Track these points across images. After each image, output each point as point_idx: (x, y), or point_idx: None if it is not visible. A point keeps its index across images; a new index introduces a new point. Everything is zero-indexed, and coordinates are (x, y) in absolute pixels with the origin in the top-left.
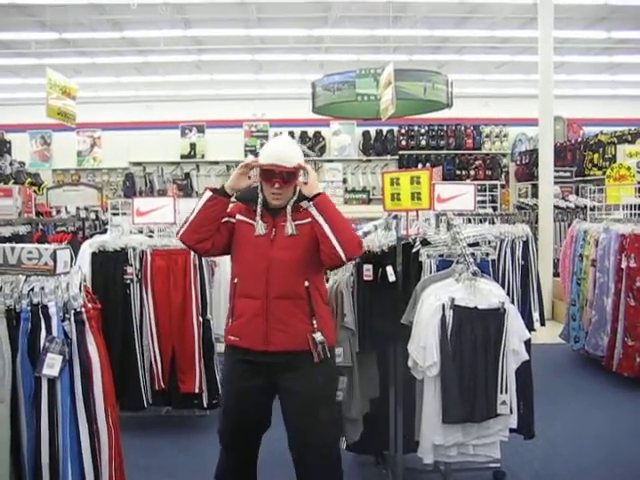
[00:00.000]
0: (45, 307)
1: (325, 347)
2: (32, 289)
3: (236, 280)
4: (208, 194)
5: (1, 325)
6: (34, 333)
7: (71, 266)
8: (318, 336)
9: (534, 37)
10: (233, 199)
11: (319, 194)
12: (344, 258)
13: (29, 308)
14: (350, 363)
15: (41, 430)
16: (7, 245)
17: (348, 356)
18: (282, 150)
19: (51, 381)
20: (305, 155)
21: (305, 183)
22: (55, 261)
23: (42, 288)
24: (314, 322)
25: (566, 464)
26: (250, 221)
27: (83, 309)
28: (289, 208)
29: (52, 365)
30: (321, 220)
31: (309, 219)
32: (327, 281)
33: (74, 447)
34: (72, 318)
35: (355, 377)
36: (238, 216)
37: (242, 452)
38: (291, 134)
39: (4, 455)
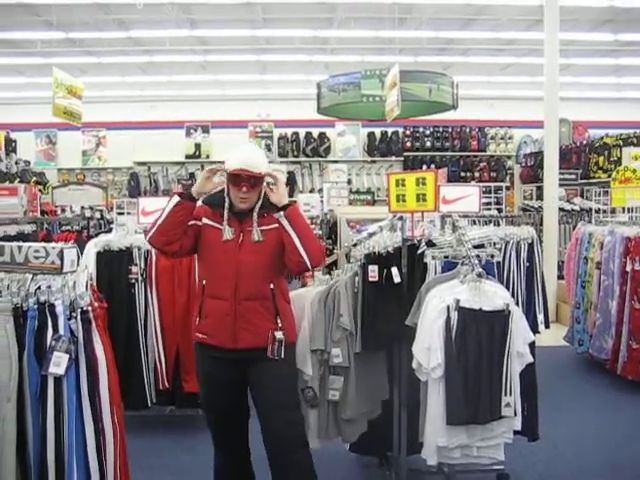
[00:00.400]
0: (52, 305)
1: (282, 344)
2: (39, 287)
3: (204, 282)
4: (176, 199)
5: (8, 323)
6: (41, 331)
7: (77, 265)
8: (278, 334)
9: (539, 39)
10: (200, 202)
11: (289, 204)
12: (310, 267)
13: (36, 306)
14: (347, 363)
15: (47, 428)
16: (14, 244)
17: (345, 356)
18: (249, 157)
19: (57, 379)
20: (270, 162)
21: (272, 189)
22: (62, 260)
23: (49, 287)
24: (278, 321)
25: (569, 466)
26: (217, 225)
27: (90, 308)
28: (255, 215)
29: (58, 363)
30: (291, 231)
31: (274, 225)
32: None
33: (80, 445)
34: (79, 317)
35: (352, 377)
36: (205, 220)
37: (231, 443)
38: (296, 134)
39: (10, 453)
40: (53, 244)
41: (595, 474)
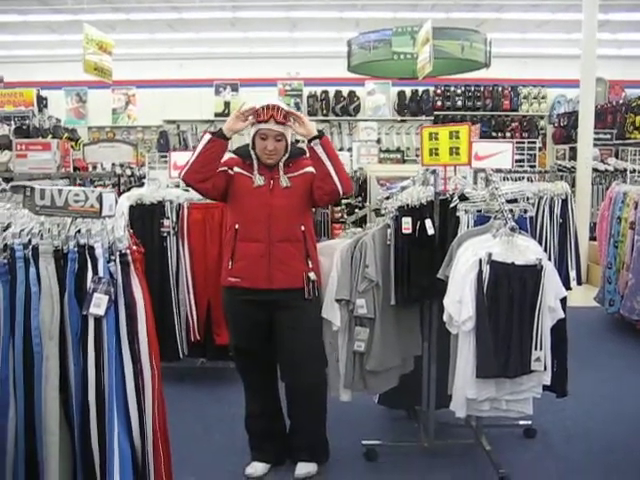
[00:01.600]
0: (92, 248)
1: (315, 285)
2: (79, 231)
3: (237, 226)
4: (208, 136)
5: (49, 265)
6: (81, 273)
7: (115, 209)
8: (312, 275)
9: None
10: (231, 154)
11: (322, 135)
12: (341, 193)
13: (76, 249)
14: (372, 315)
15: (88, 368)
16: (54, 187)
17: (371, 308)
18: (273, 99)
19: (97, 320)
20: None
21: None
22: (101, 204)
23: (88, 230)
24: (309, 262)
25: (597, 424)
26: (248, 174)
27: (128, 251)
28: (281, 164)
29: (99, 305)
30: (325, 159)
31: (300, 171)
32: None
33: (119, 385)
34: (117, 259)
35: (377, 329)
36: (236, 168)
37: (261, 388)
38: (325, 93)
39: (53, 390)
40: (92, 188)
41: (624, 431)
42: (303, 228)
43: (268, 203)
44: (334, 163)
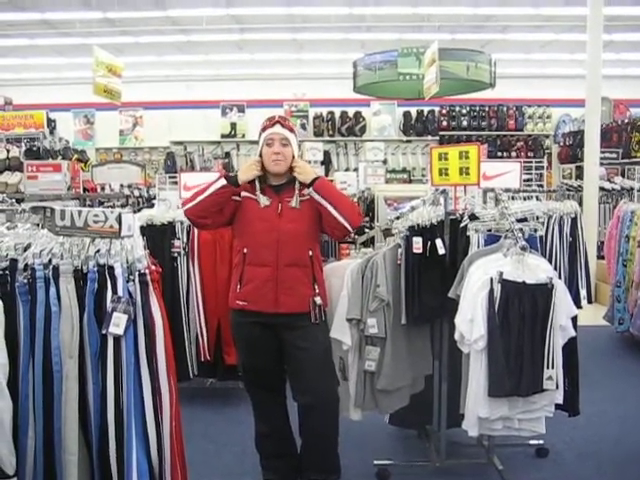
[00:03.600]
0: (111, 268)
1: (322, 309)
2: (98, 251)
3: (245, 250)
4: (223, 182)
5: (69, 285)
6: (100, 293)
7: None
8: (318, 299)
9: (580, 15)
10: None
11: (316, 178)
12: (350, 229)
13: (96, 269)
14: (383, 334)
15: (107, 386)
16: (74, 208)
17: (382, 327)
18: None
19: (116, 339)
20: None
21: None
22: (120, 224)
23: (108, 250)
24: (316, 287)
25: (609, 444)
26: (254, 197)
27: (147, 271)
28: (297, 184)
29: (118, 324)
30: (324, 202)
31: (309, 196)
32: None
33: (138, 404)
34: (137, 279)
35: (388, 349)
36: (243, 193)
37: (270, 408)
38: (331, 113)
39: (73, 409)
40: (111, 209)
41: (636, 451)
42: (311, 253)
43: (276, 227)
44: (334, 203)
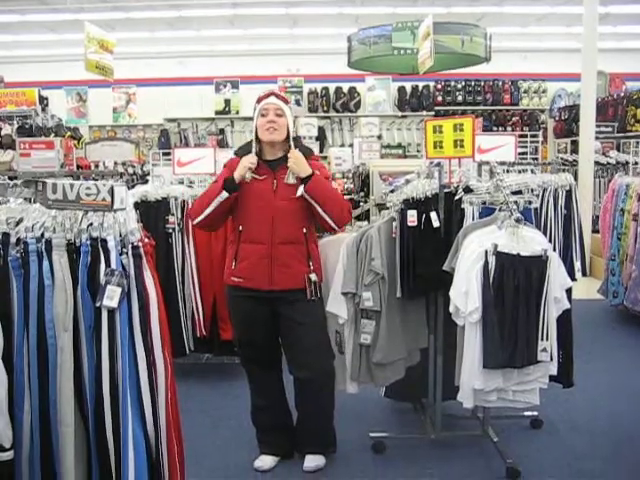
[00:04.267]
0: (104, 241)
1: (317, 285)
2: (91, 224)
3: (241, 227)
4: (225, 195)
5: (62, 258)
6: (93, 266)
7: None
8: (313, 276)
9: None
10: (232, 154)
11: (309, 177)
12: (335, 228)
13: (89, 242)
14: (379, 307)
15: (102, 359)
16: (66, 182)
17: (377, 300)
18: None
19: (111, 312)
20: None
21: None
22: (113, 197)
23: (101, 223)
24: (310, 264)
25: (603, 415)
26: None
27: (140, 243)
28: (291, 163)
29: (112, 297)
30: (314, 203)
31: None
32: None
33: (133, 377)
34: (130, 252)
35: (383, 322)
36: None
37: (266, 382)
38: (326, 89)
39: (68, 382)
40: (103, 182)
41: (629, 422)
42: (305, 230)
43: (271, 205)
44: (324, 205)
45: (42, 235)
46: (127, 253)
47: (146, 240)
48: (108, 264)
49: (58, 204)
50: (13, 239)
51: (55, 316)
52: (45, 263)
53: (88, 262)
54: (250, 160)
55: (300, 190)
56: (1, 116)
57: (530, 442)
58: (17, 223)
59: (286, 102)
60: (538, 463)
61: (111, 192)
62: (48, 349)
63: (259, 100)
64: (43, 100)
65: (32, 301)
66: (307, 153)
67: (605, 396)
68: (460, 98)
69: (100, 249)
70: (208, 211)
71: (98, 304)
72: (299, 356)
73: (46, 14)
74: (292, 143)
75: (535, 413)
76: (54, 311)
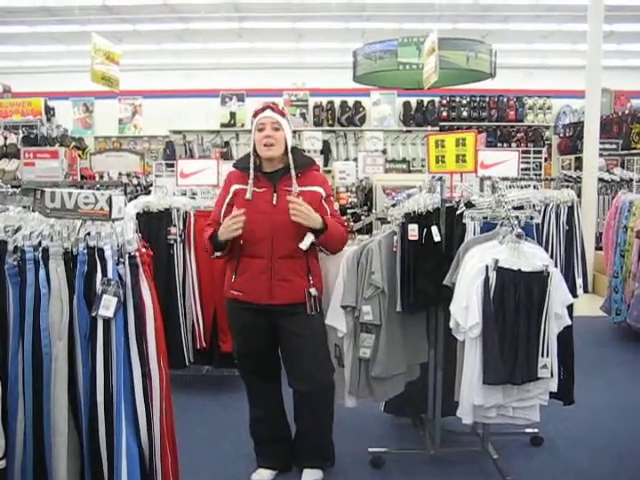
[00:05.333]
0: (101, 250)
1: (317, 300)
2: (88, 233)
3: (241, 242)
4: (217, 254)
5: (59, 267)
6: (90, 275)
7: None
8: (313, 291)
9: (581, 5)
10: (232, 168)
11: (323, 228)
12: (331, 255)
13: (86, 251)
14: (378, 321)
15: (96, 369)
16: (64, 190)
17: (377, 314)
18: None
19: (106, 322)
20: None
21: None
22: (110, 206)
23: (98, 232)
24: (310, 278)
25: (605, 433)
26: (246, 187)
27: (137, 253)
28: (293, 172)
29: (107, 306)
30: (319, 244)
31: (310, 187)
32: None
33: (127, 387)
34: (127, 262)
35: (382, 336)
36: (235, 186)
37: (265, 394)
38: (331, 103)
39: (62, 391)
40: (102, 191)
41: (630, 439)
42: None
43: (271, 219)
44: (327, 245)
45: (39, 243)
46: (124, 263)
47: (143, 250)
48: (105, 273)
49: (56, 213)
50: (10, 247)
51: (50, 325)
52: (42, 271)
53: (85, 271)
54: (235, 224)
55: (307, 241)
56: (7, 125)
57: (530, 459)
58: (15, 231)
59: (283, 115)
60: None
61: (109, 202)
62: (43, 357)
63: (255, 114)
64: (49, 110)
65: (28, 309)
66: (308, 163)
67: (606, 413)
68: (465, 114)
69: (97, 258)
70: (218, 254)
71: (94, 313)
72: (298, 368)
73: (54, 25)
74: (291, 197)
75: (535, 430)
76: (49, 319)
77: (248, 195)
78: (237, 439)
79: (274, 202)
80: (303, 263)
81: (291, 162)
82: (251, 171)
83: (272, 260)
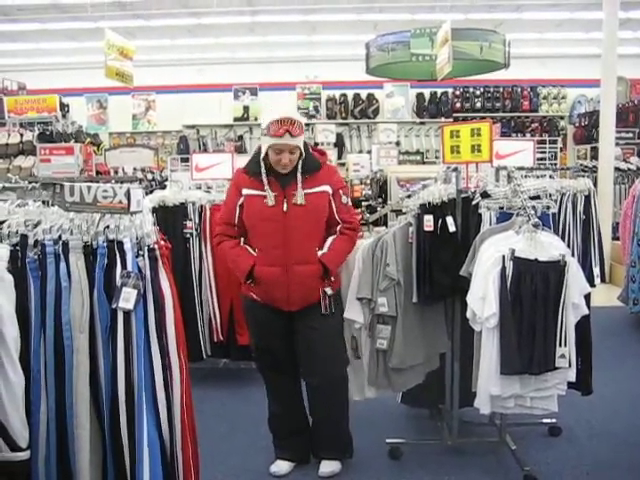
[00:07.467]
0: (120, 243)
1: (332, 299)
2: (108, 226)
3: (256, 251)
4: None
5: (79, 260)
6: (110, 268)
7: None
8: (328, 290)
9: None
10: (242, 168)
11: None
12: None
13: (105, 244)
14: (394, 313)
15: (117, 361)
16: (83, 184)
17: (392, 306)
18: (287, 110)
19: (126, 314)
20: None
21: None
22: (129, 200)
23: (117, 225)
24: (325, 278)
25: (622, 423)
26: (259, 193)
27: (156, 246)
28: (299, 176)
29: (127, 299)
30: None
31: (317, 188)
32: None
33: (148, 380)
34: (146, 254)
35: (399, 327)
36: (245, 190)
37: (283, 389)
38: (344, 96)
39: (84, 383)
40: (120, 184)
41: None
42: (319, 248)
43: (283, 226)
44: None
45: (59, 237)
46: (143, 255)
47: (162, 243)
48: (124, 266)
49: (75, 206)
50: (31, 241)
51: (71, 318)
52: (62, 265)
53: (104, 264)
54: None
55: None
56: (22, 123)
57: (548, 449)
58: (35, 225)
59: (301, 133)
60: (556, 471)
61: (128, 195)
62: (64, 350)
63: (272, 133)
64: (64, 107)
65: (49, 303)
66: (315, 167)
67: (625, 403)
68: (479, 104)
69: (116, 251)
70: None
71: (114, 306)
72: (310, 363)
73: (67, 22)
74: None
75: (553, 420)
76: (71, 313)
77: (270, 202)
78: (255, 432)
79: (284, 210)
80: (319, 267)
81: (299, 171)
82: (264, 177)
83: (288, 267)
